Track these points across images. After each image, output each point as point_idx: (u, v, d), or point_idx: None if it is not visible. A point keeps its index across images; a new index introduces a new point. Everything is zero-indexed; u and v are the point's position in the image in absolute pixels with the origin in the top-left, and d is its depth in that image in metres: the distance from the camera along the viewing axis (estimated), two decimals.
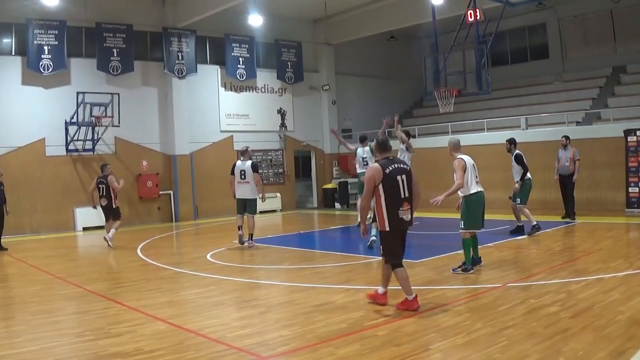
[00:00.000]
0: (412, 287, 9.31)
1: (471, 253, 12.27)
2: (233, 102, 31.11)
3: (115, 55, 27.14)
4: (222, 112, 30.66)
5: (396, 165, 9.19)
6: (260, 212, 29.66)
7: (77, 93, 25.04)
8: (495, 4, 23.83)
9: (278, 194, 31.55)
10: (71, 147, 25.91)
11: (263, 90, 32.25)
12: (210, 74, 30.40)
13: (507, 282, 11.02)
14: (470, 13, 22.50)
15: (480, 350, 7.10)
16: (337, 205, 32.56)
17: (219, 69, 30.66)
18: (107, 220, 20.22)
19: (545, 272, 11.80)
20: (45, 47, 25.38)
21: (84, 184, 25.84)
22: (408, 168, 9.41)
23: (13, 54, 25.50)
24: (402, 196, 9.13)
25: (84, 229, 25.70)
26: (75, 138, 25.75)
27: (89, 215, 25.40)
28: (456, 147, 12.53)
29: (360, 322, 8.65)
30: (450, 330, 7.99)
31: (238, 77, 30.81)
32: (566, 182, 21.36)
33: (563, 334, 7.56)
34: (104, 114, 25.04)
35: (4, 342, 8.45)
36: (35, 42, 25.25)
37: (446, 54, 22.67)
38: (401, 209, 9.08)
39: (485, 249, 14.45)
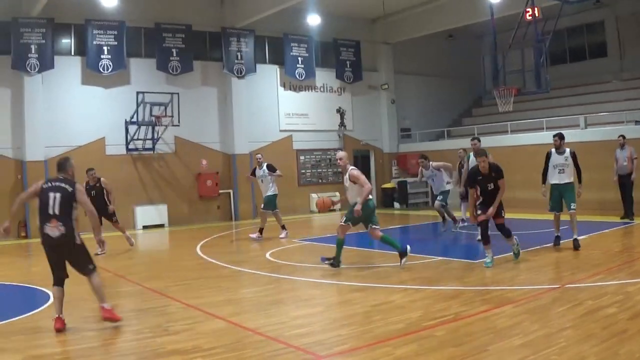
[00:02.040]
0: (471, 287, 9.13)
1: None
2: (292, 101, 30.08)
3: (174, 55, 26.39)
4: (281, 111, 29.67)
5: None
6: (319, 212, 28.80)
7: (137, 93, 24.46)
8: (553, 2, 22.60)
9: (337, 194, 29.97)
10: (131, 146, 25.31)
11: (322, 89, 31.16)
12: (269, 74, 29.41)
13: (565, 283, 10.51)
14: (528, 11, 21.53)
15: (537, 352, 6.75)
16: (396, 204, 31.35)
17: (278, 69, 29.70)
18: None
19: (604, 273, 11.23)
20: (105, 48, 24.82)
21: (144, 182, 25.45)
22: None
23: (73, 54, 25.01)
24: None
25: (144, 227, 25.00)
26: (135, 137, 25.11)
27: (149, 214, 25.04)
28: (347, 159, 13.67)
29: (418, 322, 8.25)
30: (508, 331, 7.63)
31: (297, 76, 29.81)
32: (625, 182, 20.20)
33: (620, 336, 7.19)
34: (163, 114, 24.36)
35: (63, 338, 8.22)
36: (94, 42, 24.71)
37: (505, 52, 21.61)
38: None
39: (544, 249, 14.19)
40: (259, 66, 28.67)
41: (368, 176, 32.26)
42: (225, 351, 7.35)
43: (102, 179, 17.65)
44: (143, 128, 24.92)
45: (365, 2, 29.57)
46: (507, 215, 12.44)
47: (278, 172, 19.30)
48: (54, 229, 8.43)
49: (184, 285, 11.96)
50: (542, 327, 7.70)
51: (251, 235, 19.49)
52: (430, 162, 18.07)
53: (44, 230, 8.49)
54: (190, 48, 26.80)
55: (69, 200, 8.61)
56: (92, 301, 10.30)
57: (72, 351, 7.72)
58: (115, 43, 24.96)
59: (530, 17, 21.87)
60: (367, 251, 16.06)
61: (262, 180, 19.27)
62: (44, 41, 23.83)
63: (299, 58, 29.81)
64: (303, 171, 30.00)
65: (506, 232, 12.54)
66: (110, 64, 24.81)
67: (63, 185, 8.72)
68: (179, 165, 26.26)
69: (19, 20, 23.53)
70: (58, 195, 8.57)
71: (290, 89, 29.94)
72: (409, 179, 30.94)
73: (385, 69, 33.10)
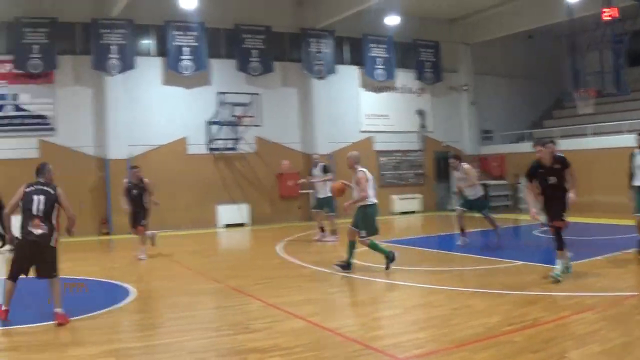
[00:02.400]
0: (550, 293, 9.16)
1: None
2: (372, 102, 28.80)
3: (254, 56, 25.46)
4: (361, 112, 28.48)
5: None
6: (401, 213, 27.98)
7: (218, 93, 23.90)
8: (632, 2, 21.45)
9: (418, 195, 29.26)
10: (213, 145, 24.54)
11: (402, 90, 29.71)
12: (349, 75, 28.19)
13: None
14: (606, 12, 20.62)
15: None
16: None
17: (358, 69, 28.46)
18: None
19: None
20: (185, 48, 24.15)
21: (225, 181, 24.69)
22: None
23: (153, 55, 24.49)
24: None
25: (226, 225, 24.33)
26: (217, 137, 24.39)
27: (231, 212, 24.39)
28: (357, 160, 12.88)
29: (497, 327, 7.92)
30: (587, 338, 7.26)
31: (377, 77, 28.49)
32: None
33: None
34: (245, 114, 23.76)
35: (141, 334, 8.30)
36: (174, 43, 24.08)
37: (583, 53, 20.68)
38: None
39: (625, 255, 13.13)
40: (338, 67, 27.55)
41: (448, 178, 31.64)
42: (303, 350, 7.17)
43: (144, 179, 16.04)
44: (224, 128, 24.27)
45: (444, 2, 28.05)
46: (587, 220, 11.38)
47: (329, 175, 18.00)
48: (37, 228, 8.74)
49: (264, 284, 11.65)
50: (621, 334, 7.33)
51: (325, 239, 18.35)
52: (462, 164, 16.38)
53: (27, 228, 8.75)
54: (270, 49, 25.88)
55: (52, 203, 8.94)
56: (170, 297, 10.70)
57: (150, 346, 7.60)
58: (196, 44, 24.26)
59: (609, 18, 21.07)
60: (447, 254, 15.50)
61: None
62: (124, 42, 23.32)
63: (379, 59, 28.43)
64: (383, 173, 28.55)
65: (560, 243, 10.65)
66: (191, 64, 24.20)
67: (46, 188, 9.05)
68: (261, 165, 25.37)
69: (99, 22, 23.10)
70: (42, 197, 8.90)
71: (370, 90, 28.69)
72: (490, 182, 29.18)
73: (464, 70, 31.54)
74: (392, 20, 26.24)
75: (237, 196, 24.98)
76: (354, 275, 12.19)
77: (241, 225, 24.52)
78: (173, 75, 24.16)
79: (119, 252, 18.48)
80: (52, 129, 22.96)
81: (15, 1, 22.46)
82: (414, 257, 14.80)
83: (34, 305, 9.25)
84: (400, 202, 28.70)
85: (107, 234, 22.82)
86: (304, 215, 26.07)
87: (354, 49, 28.76)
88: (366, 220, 12.53)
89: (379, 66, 28.58)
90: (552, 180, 10.62)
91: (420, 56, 30.18)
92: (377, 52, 28.59)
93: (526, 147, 27.04)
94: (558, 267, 10.60)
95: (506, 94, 32.92)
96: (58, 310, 8.70)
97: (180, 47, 24.15)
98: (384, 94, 29.22)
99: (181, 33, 24.26)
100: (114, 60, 23.28)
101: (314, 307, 9.65)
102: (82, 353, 7.21)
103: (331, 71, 27.35)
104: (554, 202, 10.70)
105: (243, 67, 25.45)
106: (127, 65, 23.48)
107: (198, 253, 17.36)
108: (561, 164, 10.61)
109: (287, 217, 25.87)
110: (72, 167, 22.40)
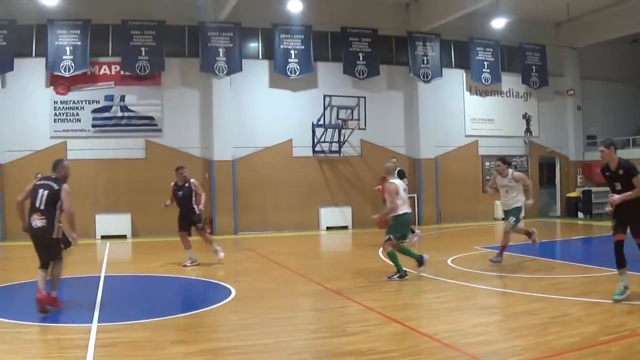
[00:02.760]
0: None
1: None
2: (478, 106, 27.20)
3: (361, 59, 24.24)
4: (467, 116, 26.95)
5: None
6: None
7: (324, 96, 22.55)
8: None
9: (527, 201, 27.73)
10: (317, 148, 23.38)
11: (508, 94, 28.07)
12: (455, 78, 26.68)
13: None
14: None
15: None
16: (580, 214, 27.93)
17: (464, 73, 26.90)
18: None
19: None
20: (292, 51, 23.19)
21: (329, 184, 23.70)
22: None
23: (260, 57, 23.63)
24: None
25: (327, 228, 23.48)
26: (322, 140, 23.23)
27: (333, 215, 23.46)
28: (389, 172, 12.57)
29: (595, 336, 7.54)
30: None
31: (483, 81, 26.77)
32: None
33: None
34: (350, 117, 22.37)
35: (240, 334, 8.04)
36: (281, 46, 23.16)
37: None
38: None
39: None
40: (444, 70, 26.15)
41: (553, 184, 30.50)
42: (400, 355, 6.99)
43: (192, 180, 14.70)
44: (330, 131, 23.06)
45: (550, 6, 26.20)
46: None
47: (405, 181, 16.50)
48: (36, 221, 9.05)
49: (363, 287, 11.32)
50: None
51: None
52: (511, 170, 14.21)
53: (31, 221, 9.08)
54: (377, 52, 24.66)
55: (53, 197, 9.13)
56: (269, 298, 10.54)
57: (247, 346, 7.41)
58: (302, 47, 23.25)
59: None
60: (548, 261, 14.69)
61: None
62: (231, 45, 22.56)
63: (485, 62, 26.77)
64: (488, 177, 26.68)
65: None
66: (298, 67, 23.15)
67: (51, 183, 9.29)
68: (365, 169, 24.17)
69: (207, 25, 22.43)
70: (45, 192, 9.17)
71: (476, 94, 27.15)
72: (594, 189, 27.45)
73: (571, 74, 29.50)
74: (499, 23, 24.95)
75: (340, 199, 23.76)
76: (454, 281, 11.76)
77: (344, 228, 23.57)
78: (279, 77, 23.11)
79: (224, 252, 18.41)
80: (158, 130, 22.40)
81: (124, 4, 22.18)
82: (515, 264, 14.18)
83: (135, 302, 8.98)
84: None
85: (211, 233, 22.54)
86: None
87: (459, 52, 26.99)
88: (395, 227, 12.25)
89: (485, 70, 26.72)
90: (617, 187, 9.39)
91: (526, 60, 28.05)
92: (484, 55, 26.72)
93: (631, 153, 25.70)
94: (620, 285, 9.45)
95: (612, 99, 30.47)
96: (52, 293, 9.24)
97: (287, 50, 23.08)
98: (489, 98, 27.42)
99: (288, 36, 23.22)
100: (221, 62, 22.45)
101: (412, 311, 9.58)
102: (180, 351, 7.18)
103: (437, 74, 25.74)
104: (629, 214, 9.26)
105: (349, 70, 24.15)
106: (234, 67, 22.58)
107: (299, 255, 16.96)
108: (625, 169, 9.21)
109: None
110: None
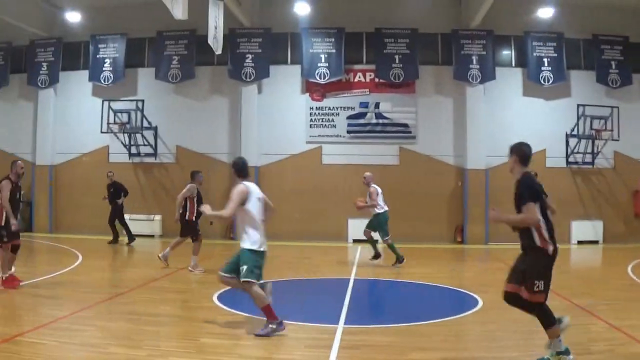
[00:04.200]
0: None
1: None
2: None
3: (613, 67, 22.72)
4: None
5: None
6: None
7: (578, 105, 21.57)
8: None
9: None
10: (571, 159, 22.29)
11: None
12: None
13: None
14: None
15: None
16: None
17: None
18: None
19: None
20: (544, 59, 22.21)
21: (582, 197, 22.45)
22: None
23: (513, 65, 22.78)
24: None
25: (578, 242, 22.18)
26: (575, 150, 22.05)
27: (584, 229, 22.31)
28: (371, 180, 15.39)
29: None
30: None
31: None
32: None
33: None
34: (603, 127, 21.27)
35: (484, 345, 7.96)
36: (534, 54, 22.35)
37: None
38: None
39: None
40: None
41: None
42: None
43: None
44: (583, 141, 21.95)
45: None
46: None
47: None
48: None
49: (611, 305, 10.50)
50: None
51: None
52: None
53: None
54: (629, 60, 22.90)
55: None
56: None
57: (490, 358, 7.25)
58: (555, 55, 22.20)
59: None
60: None
61: None
62: (484, 52, 21.95)
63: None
64: None
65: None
66: (551, 75, 22.09)
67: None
68: (617, 181, 22.69)
69: (459, 32, 22.16)
70: None
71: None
72: None
73: None
74: None
75: (592, 212, 22.34)
76: None
77: (594, 242, 22.37)
78: (532, 86, 22.15)
79: (472, 262, 18.17)
80: (413, 137, 22.19)
81: (378, 13, 22.57)
82: None
83: (382, 307, 8.43)
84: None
85: (461, 242, 21.82)
86: None
87: None
88: (381, 225, 15.12)
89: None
90: None
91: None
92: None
93: None
94: None
95: None
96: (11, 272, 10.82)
97: (540, 57, 22.05)
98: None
99: (540, 43, 22.14)
100: (474, 70, 21.85)
101: None
102: (422, 357, 7.09)
103: None
104: None
105: (602, 79, 22.59)
106: (487, 75, 21.92)
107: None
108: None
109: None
110: (430, 175, 21.89)
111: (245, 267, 7.91)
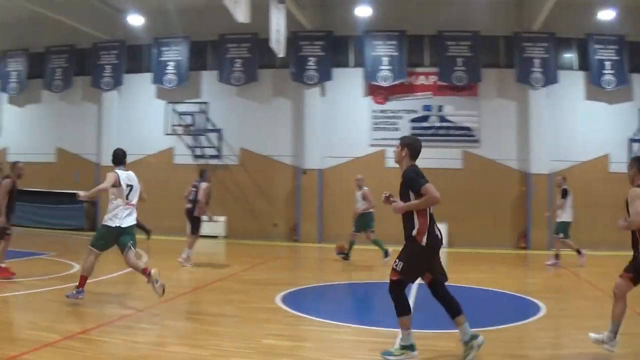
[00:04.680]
0: None
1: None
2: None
3: None
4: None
5: None
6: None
7: (639, 109, 21.69)
8: None
9: None
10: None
11: None
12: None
13: None
14: None
15: None
16: None
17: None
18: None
19: None
20: (607, 62, 21.86)
21: None
22: None
23: (575, 68, 22.54)
24: None
25: None
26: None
27: None
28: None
29: None
30: None
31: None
32: None
33: None
34: None
35: (546, 352, 7.73)
36: (596, 57, 21.94)
37: None
38: None
39: None
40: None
41: None
42: None
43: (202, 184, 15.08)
44: None
45: None
46: None
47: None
48: None
49: None
50: None
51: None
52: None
53: None
54: None
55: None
56: (577, 318, 9.88)
57: None
58: (617, 58, 21.90)
59: None
60: None
61: None
62: (546, 55, 21.79)
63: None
64: None
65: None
66: (613, 79, 21.84)
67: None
68: None
69: (521, 35, 21.96)
70: None
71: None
72: None
73: None
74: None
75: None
76: None
77: None
78: (595, 89, 21.93)
79: (535, 268, 17.76)
80: (476, 141, 22.12)
81: (440, 15, 22.49)
82: None
83: (443, 312, 8.37)
84: None
85: (525, 248, 21.72)
86: None
87: None
88: (368, 223, 16.43)
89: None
90: None
91: None
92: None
93: None
94: None
95: None
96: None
97: (601, 61, 21.83)
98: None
99: (602, 46, 21.93)
100: (537, 73, 21.75)
101: None
102: None
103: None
104: None
105: None
106: (550, 79, 21.79)
107: (613, 275, 15.83)
108: None
109: None
110: (493, 180, 21.77)
111: (94, 236, 10.03)
